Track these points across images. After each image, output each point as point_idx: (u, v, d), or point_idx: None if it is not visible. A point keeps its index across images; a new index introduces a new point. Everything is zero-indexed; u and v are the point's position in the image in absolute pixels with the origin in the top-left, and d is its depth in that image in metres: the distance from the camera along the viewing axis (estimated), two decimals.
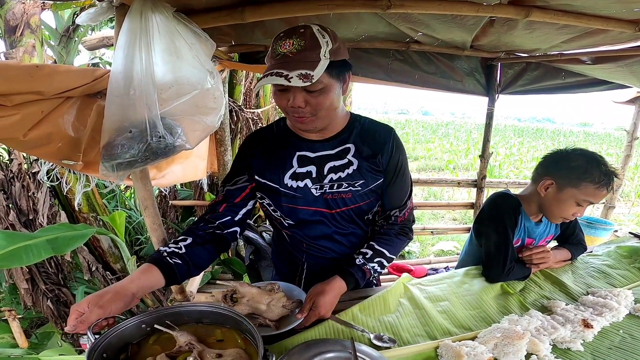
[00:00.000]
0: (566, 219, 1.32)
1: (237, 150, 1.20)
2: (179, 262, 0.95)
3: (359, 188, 1.10)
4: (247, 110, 3.62)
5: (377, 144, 1.11)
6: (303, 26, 0.92)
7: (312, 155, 1.10)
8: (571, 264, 1.47)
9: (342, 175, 1.09)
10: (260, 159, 1.12)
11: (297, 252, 1.23)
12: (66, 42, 2.48)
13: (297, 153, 1.10)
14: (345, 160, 1.09)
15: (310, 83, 0.87)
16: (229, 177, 1.16)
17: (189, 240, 1.01)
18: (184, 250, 0.98)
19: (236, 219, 1.12)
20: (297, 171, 1.09)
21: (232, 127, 3.37)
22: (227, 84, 2.89)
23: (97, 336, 0.75)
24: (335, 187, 1.09)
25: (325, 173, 1.09)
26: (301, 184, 1.09)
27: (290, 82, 0.86)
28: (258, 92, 4.46)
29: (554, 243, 1.55)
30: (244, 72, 3.55)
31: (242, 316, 0.83)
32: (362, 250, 1.14)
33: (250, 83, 3.99)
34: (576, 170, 1.24)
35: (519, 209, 1.37)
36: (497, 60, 2.55)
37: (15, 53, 2.18)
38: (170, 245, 0.99)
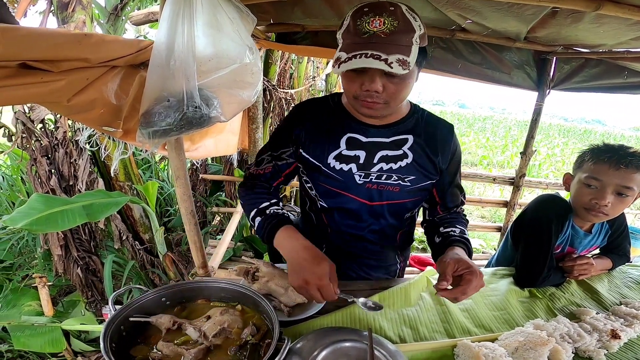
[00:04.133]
0: (590, 209, 1.18)
1: (284, 119, 1.14)
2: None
3: (408, 184, 1.04)
4: (281, 90, 3.62)
5: (438, 143, 1.05)
6: (390, 3, 0.82)
7: (363, 139, 1.02)
8: (608, 273, 1.38)
9: (394, 166, 1.02)
10: (308, 132, 1.05)
11: (319, 237, 1.18)
12: (114, 20, 2.55)
13: (348, 134, 1.02)
14: (400, 152, 1.02)
15: (407, 71, 0.78)
16: (274, 144, 1.10)
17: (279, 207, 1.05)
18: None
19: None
20: (343, 153, 1.02)
21: (265, 105, 3.40)
22: (262, 63, 2.89)
23: (117, 307, 0.77)
24: (383, 178, 1.03)
25: (375, 161, 1.02)
26: (345, 167, 1.02)
27: (392, 67, 0.76)
28: (292, 73, 4.45)
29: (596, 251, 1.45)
30: (280, 52, 3.54)
31: (261, 296, 0.83)
32: (445, 230, 1.06)
33: (285, 64, 3.97)
34: (581, 154, 1.26)
35: (567, 215, 1.27)
36: (552, 54, 2.36)
37: (67, 29, 2.25)
38: (276, 208, 1.03)
